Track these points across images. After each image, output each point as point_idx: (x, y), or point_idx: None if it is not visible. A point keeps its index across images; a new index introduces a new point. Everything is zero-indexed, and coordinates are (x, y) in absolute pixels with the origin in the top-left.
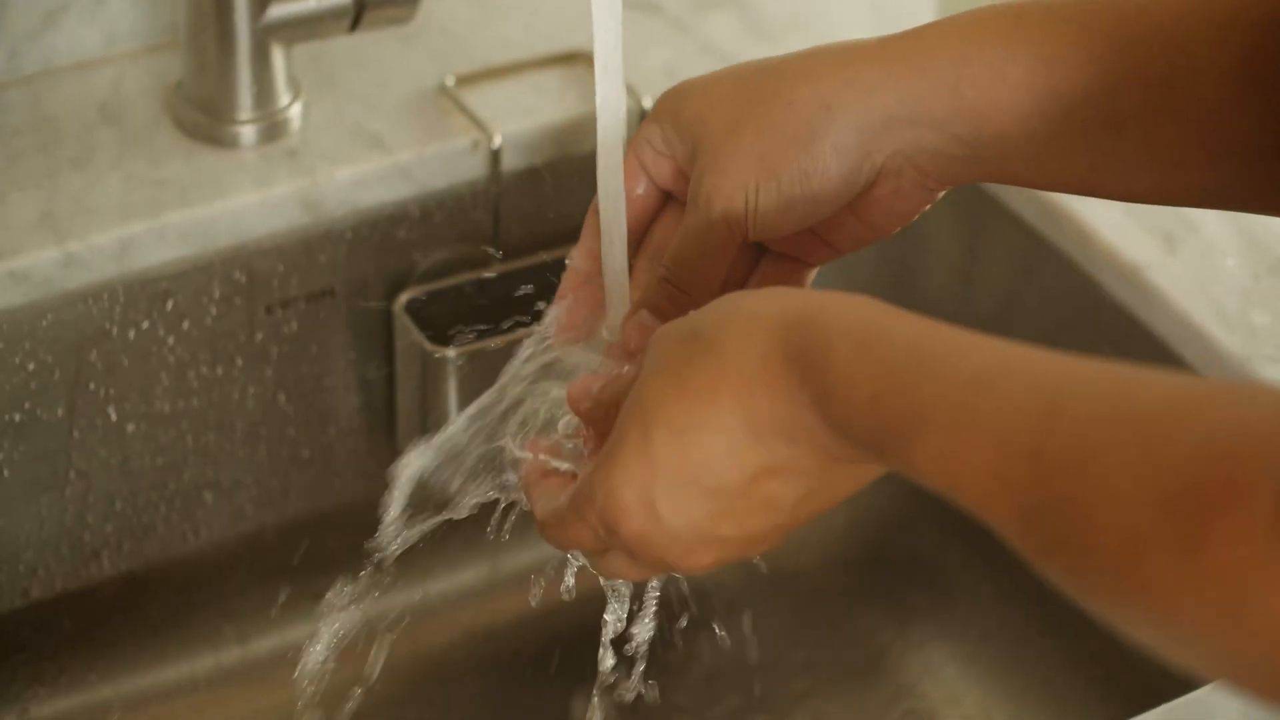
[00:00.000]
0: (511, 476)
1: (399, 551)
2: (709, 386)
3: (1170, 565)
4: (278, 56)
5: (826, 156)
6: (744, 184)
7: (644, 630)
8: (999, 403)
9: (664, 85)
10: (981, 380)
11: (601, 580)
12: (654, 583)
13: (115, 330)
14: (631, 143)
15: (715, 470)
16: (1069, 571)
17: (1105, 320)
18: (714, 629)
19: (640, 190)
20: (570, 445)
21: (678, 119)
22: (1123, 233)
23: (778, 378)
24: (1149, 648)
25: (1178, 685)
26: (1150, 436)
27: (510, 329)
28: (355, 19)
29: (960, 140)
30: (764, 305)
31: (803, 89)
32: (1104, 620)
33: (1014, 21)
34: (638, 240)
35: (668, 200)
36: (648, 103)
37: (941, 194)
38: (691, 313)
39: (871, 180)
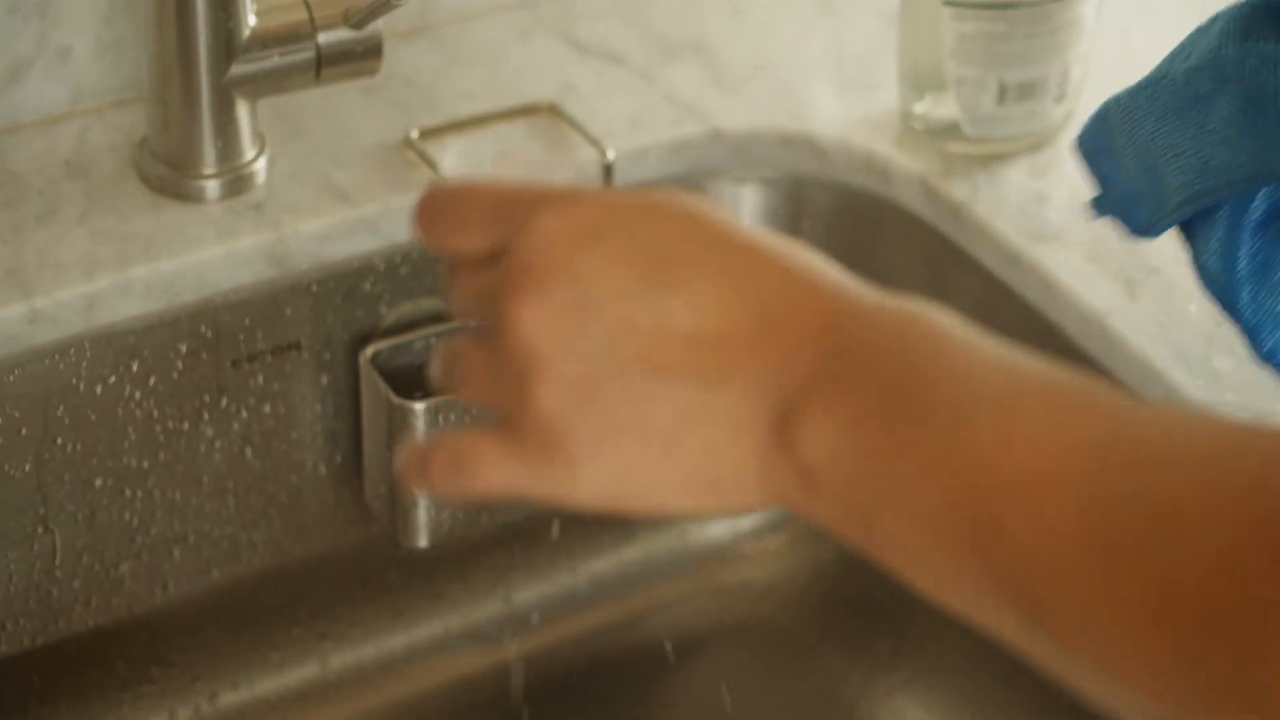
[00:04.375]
0: None
1: None
2: (757, 244)
3: (1266, 597)
4: (242, 111)
5: None
6: None
7: None
8: (1101, 408)
9: (627, 136)
10: (1085, 387)
11: None
12: None
13: (82, 385)
14: None
15: (672, 265)
16: (1127, 588)
17: (1068, 366)
18: (680, 677)
19: None
20: None
21: None
22: (1085, 279)
23: (830, 292)
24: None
25: None
26: (1235, 457)
27: None
28: (318, 73)
29: None
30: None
31: None
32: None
33: None
34: None
35: None
36: (611, 155)
37: None
38: None
39: None
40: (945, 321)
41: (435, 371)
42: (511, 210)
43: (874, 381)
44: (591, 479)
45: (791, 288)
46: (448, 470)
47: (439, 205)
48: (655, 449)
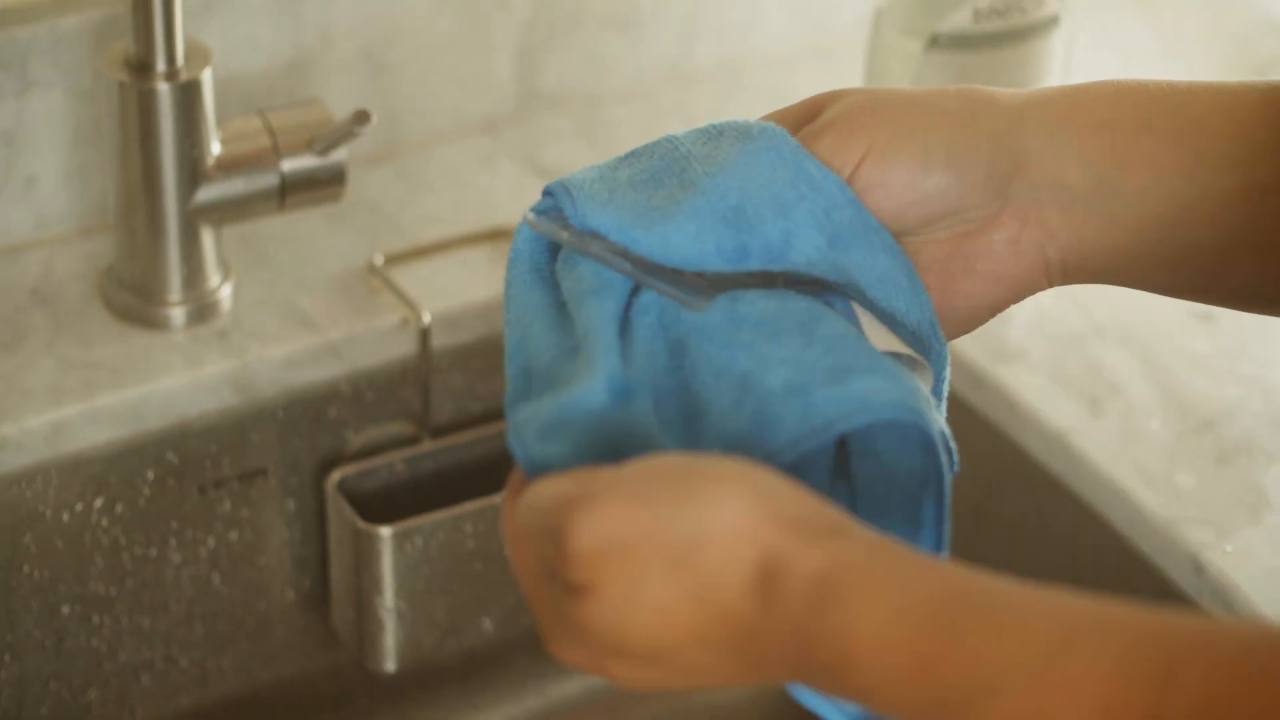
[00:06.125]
0: None
1: None
2: (681, 577)
3: None
4: (207, 238)
5: (980, 138)
6: (871, 134)
7: None
8: (1096, 657)
9: None
10: (1070, 631)
11: None
12: None
13: (49, 513)
14: None
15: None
16: None
17: (1031, 485)
18: None
19: None
20: None
21: (813, 101)
22: (1047, 398)
23: (763, 618)
24: None
25: None
26: None
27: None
28: (283, 200)
29: (1102, 185)
30: (753, 524)
31: (964, 89)
32: None
33: (1163, 86)
34: None
35: None
36: None
37: (1048, 288)
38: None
39: (996, 212)
40: (905, 576)
41: None
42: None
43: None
44: None
45: (765, 625)
46: None
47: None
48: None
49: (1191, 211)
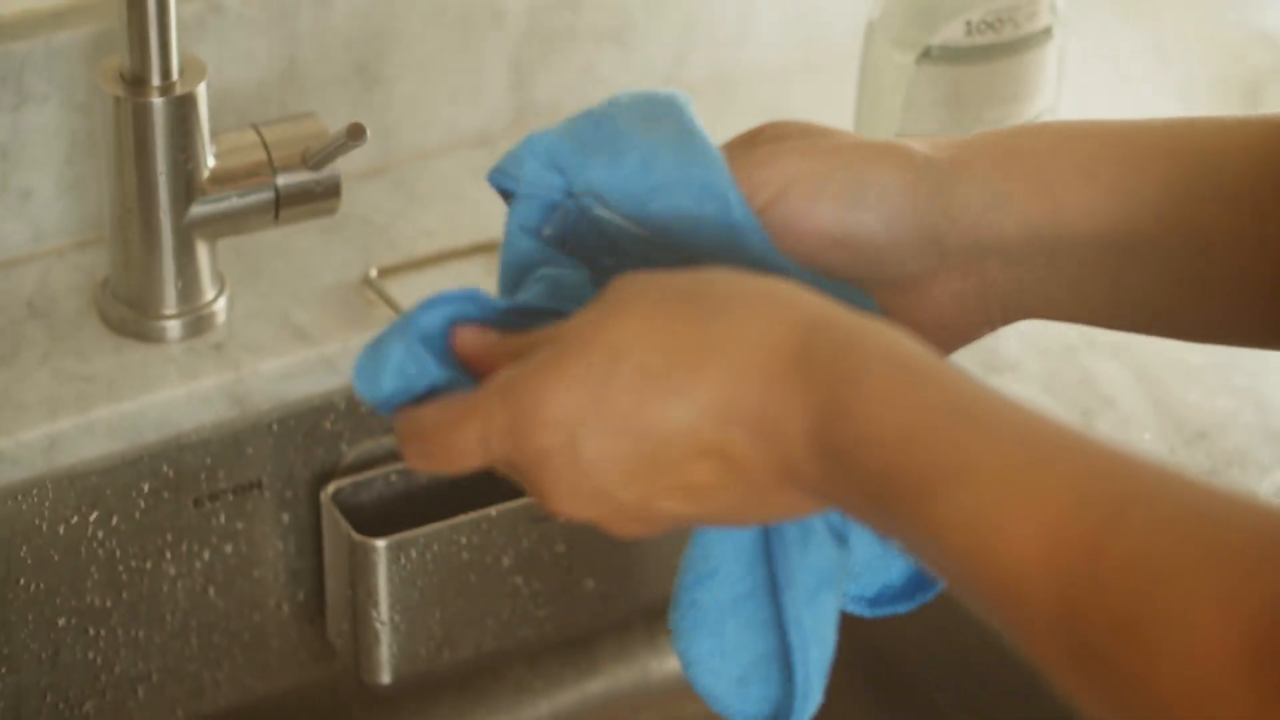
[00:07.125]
0: None
1: None
2: (701, 348)
3: None
4: (202, 251)
5: (916, 187)
6: (803, 161)
7: None
8: (1058, 479)
9: None
10: (1040, 449)
11: None
12: None
13: (45, 526)
14: None
15: (662, 435)
16: (1104, 694)
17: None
18: None
19: None
20: None
21: (753, 131)
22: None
23: (782, 373)
24: None
25: None
26: (1232, 567)
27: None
28: (278, 213)
29: (1041, 240)
30: (788, 294)
31: (895, 142)
32: None
33: (1103, 130)
34: None
35: None
36: None
37: (990, 333)
38: (685, 272)
39: (936, 268)
40: (917, 364)
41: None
42: (501, 440)
43: (865, 463)
44: None
45: (774, 392)
46: None
47: (425, 448)
48: None
49: (1133, 259)
